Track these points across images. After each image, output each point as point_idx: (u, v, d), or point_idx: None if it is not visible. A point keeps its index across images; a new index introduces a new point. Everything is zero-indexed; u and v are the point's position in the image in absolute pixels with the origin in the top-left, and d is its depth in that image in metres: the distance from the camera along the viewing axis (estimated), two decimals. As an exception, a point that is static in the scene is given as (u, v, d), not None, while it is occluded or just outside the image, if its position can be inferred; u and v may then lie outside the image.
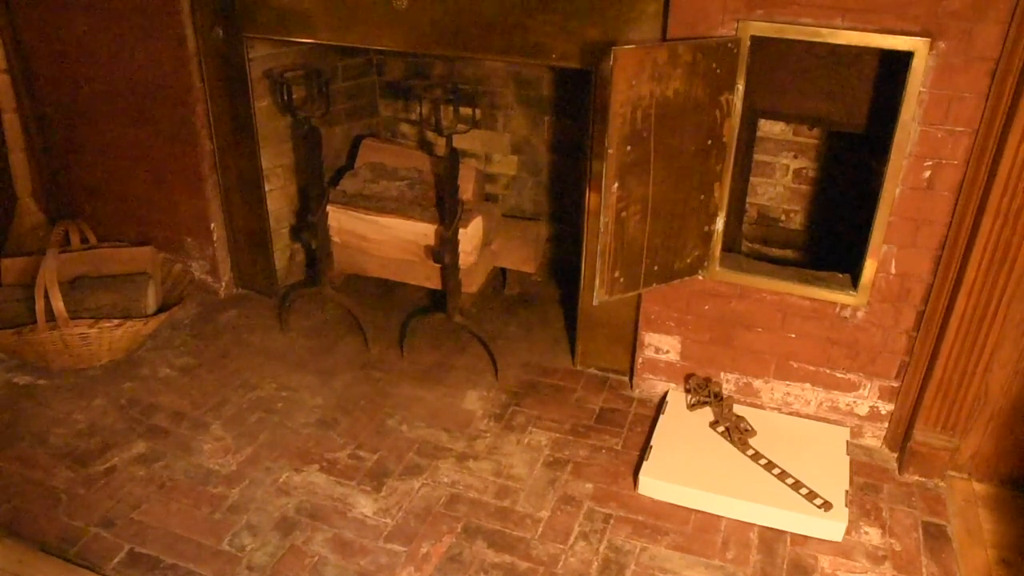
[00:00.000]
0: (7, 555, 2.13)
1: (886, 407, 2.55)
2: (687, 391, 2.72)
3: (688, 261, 2.49)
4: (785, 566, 2.19)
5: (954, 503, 2.41)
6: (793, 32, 2.20)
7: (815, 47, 2.35)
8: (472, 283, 3.14)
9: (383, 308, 3.37)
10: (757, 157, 3.10)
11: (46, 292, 2.73)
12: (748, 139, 2.83)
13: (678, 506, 2.37)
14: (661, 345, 2.75)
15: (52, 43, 3.24)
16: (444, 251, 2.82)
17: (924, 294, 2.36)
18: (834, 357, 2.53)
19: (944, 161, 2.19)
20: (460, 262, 2.90)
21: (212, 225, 3.31)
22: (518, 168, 3.62)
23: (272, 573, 2.13)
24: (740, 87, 2.30)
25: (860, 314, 2.44)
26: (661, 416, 2.65)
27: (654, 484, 2.40)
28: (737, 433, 2.53)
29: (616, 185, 2.20)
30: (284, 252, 3.41)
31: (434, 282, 3.14)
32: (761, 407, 2.70)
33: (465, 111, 2.71)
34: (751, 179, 3.13)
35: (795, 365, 2.59)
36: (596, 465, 2.53)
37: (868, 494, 2.44)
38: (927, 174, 2.22)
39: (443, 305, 2.94)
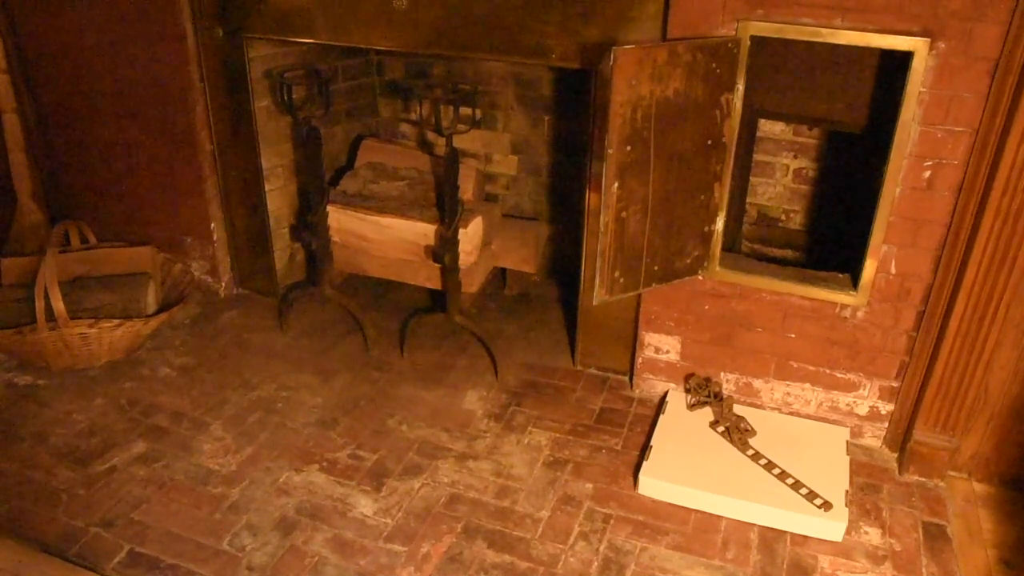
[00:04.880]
0: (7, 555, 2.13)
1: (886, 407, 2.55)
2: (687, 391, 2.72)
3: (688, 261, 2.49)
4: (785, 566, 2.19)
5: (954, 503, 2.41)
6: (793, 32, 2.20)
7: (815, 47, 2.35)
8: (472, 283, 3.14)
9: (383, 308, 3.37)
10: (757, 157, 3.11)
11: (46, 292, 2.73)
12: (748, 139, 2.83)
13: (678, 506, 2.37)
14: (661, 345, 2.75)
15: (52, 43, 3.24)
16: (444, 251, 2.82)
17: (924, 294, 2.36)
18: (834, 357, 2.53)
19: (944, 161, 2.19)
20: (460, 262, 2.90)
21: (212, 225, 3.31)
22: (518, 168, 3.62)
23: (272, 573, 2.13)
24: (740, 87, 2.30)
25: (860, 314, 2.45)
26: (661, 416, 2.65)
27: (654, 484, 2.40)
28: (737, 433, 2.53)
29: (616, 185, 2.20)
30: (284, 252, 3.41)
31: (434, 282, 3.14)
32: (761, 407, 2.70)
33: (465, 111, 2.71)
34: (751, 179, 3.13)
35: (795, 365, 2.59)
36: (596, 465, 2.53)
37: (868, 494, 2.44)
38: (927, 174, 2.22)
39: (443, 305, 2.94)
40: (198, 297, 3.40)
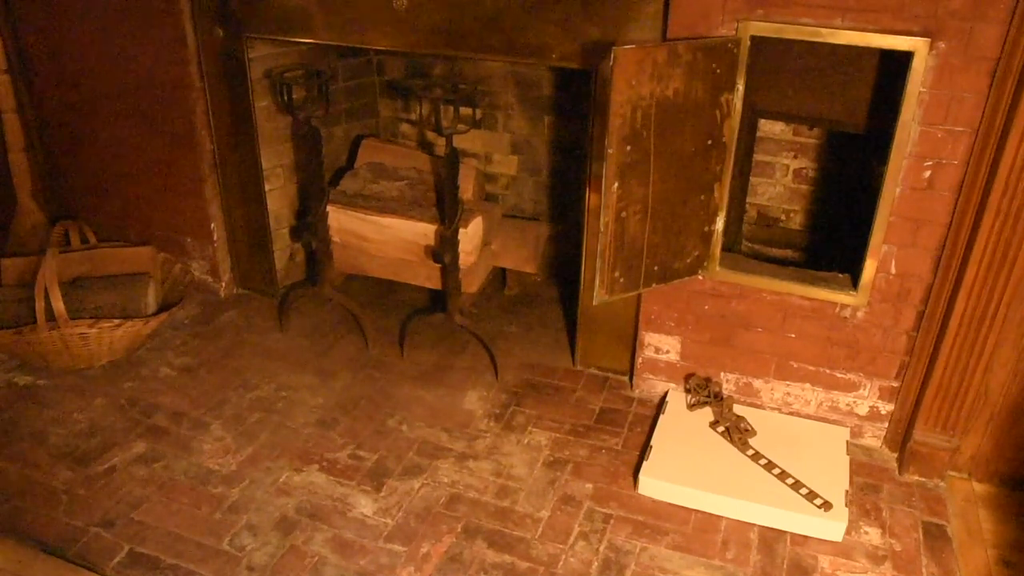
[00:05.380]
0: (7, 555, 2.13)
1: (886, 407, 2.55)
2: (687, 391, 2.72)
3: (688, 261, 2.49)
4: (785, 566, 2.19)
5: (954, 503, 2.41)
6: (793, 32, 2.20)
7: (815, 47, 2.35)
8: (472, 283, 3.14)
9: (383, 308, 3.37)
10: (757, 157, 3.11)
11: (46, 292, 2.73)
12: (748, 139, 2.83)
13: (678, 506, 2.37)
14: (661, 345, 2.75)
15: (52, 43, 3.24)
16: (444, 251, 2.82)
17: (924, 294, 2.36)
18: (834, 357, 2.53)
19: (944, 161, 2.19)
20: (460, 262, 2.90)
21: (212, 225, 3.31)
22: (518, 168, 3.62)
23: (272, 573, 2.13)
24: (740, 87, 2.30)
25: (860, 314, 2.44)
26: (661, 416, 2.65)
27: (654, 484, 2.40)
28: (737, 433, 2.53)
29: (616, 185, 2.20)
30: (284, 252, 3.41)
31: (434, 282, 3.14)
32: (761, 407, 2.70)
33: (465, 111, 2.71)
34: (751, 179, 3.13)
35: (795, 365, 2.59)
36: (596, 465, 2.53)
37: (868, 494, 2.44)
38: (927, 174, 2.22)
39: (443, 305, 2.94)
40: (198, 297, 3.40)
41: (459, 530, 2.28)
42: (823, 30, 2.16)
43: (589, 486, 2.45)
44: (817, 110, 2.57)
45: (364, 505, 2.36)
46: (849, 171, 3.01)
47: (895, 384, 2.50)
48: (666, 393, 2.78)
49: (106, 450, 2.55)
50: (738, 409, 2.65)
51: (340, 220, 3.10)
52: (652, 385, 2.83)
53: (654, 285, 2.46)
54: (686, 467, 2.43)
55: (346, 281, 3.48)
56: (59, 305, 2.74)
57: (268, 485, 2.42)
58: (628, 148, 2.18)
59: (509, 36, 2.54)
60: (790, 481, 2.37)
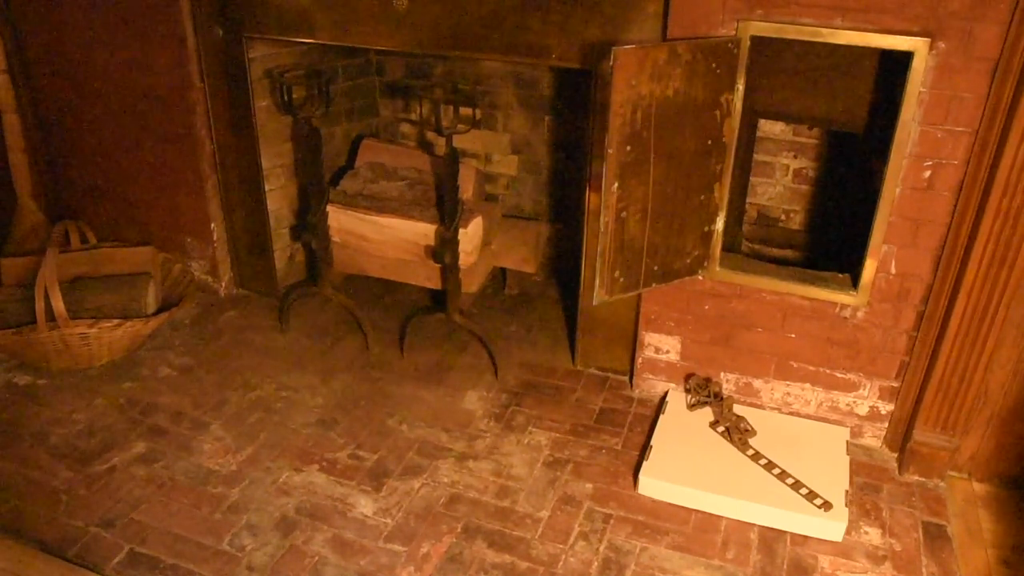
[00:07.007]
0: (7, 555, 2.13)
1: (886, 407, 2.55)
2: (687, 391, 2.72)
3: (688, 261, 2.49)
4: (785, 566, 2.19)
5: (954, 503, 2.41)
6: (793, 32, 2.20)
7: (815, 47, 2.35)
8: (472, 283, 3.14)
9: (383, 308, 3.37)
10: (757, 157, 3.11)
11: (46, 292, 2.73)
12: (748, 139, 2.83)
13: (678, 506, 2.37)
14: (661, 345, 2.75)
15: (52, 43, 3.24)
16: (444, 251, 2.82)
17: (924, 294, 2.36)
18: (834, 357, 2.53)
19: (944, 161, 2.19)
20: (460, 262, 2.90)
21: (212, 225, 3.31)
22: (518, 168, 3.62)
23: (272, 573, 2.13)
24: (740, 87, 2.30)
25: (860, 314, 2.45)
26: (661, 416, 2.66)
27: (654, 484, 2.40)
28: (737, 433, 2.53)
29: (616, 185, 2.20)
30: (284, 252, 3.41)
31: (434, 282, 3.14)
32: (761, 407, 2.70)
33: (465, 111, 2.71)
34: (751, 179, 3.13)
35: (795, 365, 2.59)
36: (596, 465, 2.53)
37: (868, 494, 2.44)
38: (927, 174, 2.22)
39: (443, 305, 2.94)
40: (198, 297, 3.40)
41: (459, 530, 2.28)
42: (823, 30, 2.16)
43: (589, 486, 2.45)
44: (817, 110, 2.57)
45: (364, 505, 2.36)
46: (849, 171, 3.01)
47: (895, 384, 2.50)
48: (666, 393, 2.78)
49: (106, 450, 2.55)
50: (738, 409, 2.65)
51: (340, 220, 3.10)
52: (652, 385, 2.83)
53: (654, 285, 2.46)
54: (686, 467, 2.43)
55: (346, 281, 3.48)
56: (59, 305, 2.74)
57: (268, 485, 2.42)
58: (628, 148, 2.18)
59: (509, 36, 2.54)
60: (790, 481, 2.37)
